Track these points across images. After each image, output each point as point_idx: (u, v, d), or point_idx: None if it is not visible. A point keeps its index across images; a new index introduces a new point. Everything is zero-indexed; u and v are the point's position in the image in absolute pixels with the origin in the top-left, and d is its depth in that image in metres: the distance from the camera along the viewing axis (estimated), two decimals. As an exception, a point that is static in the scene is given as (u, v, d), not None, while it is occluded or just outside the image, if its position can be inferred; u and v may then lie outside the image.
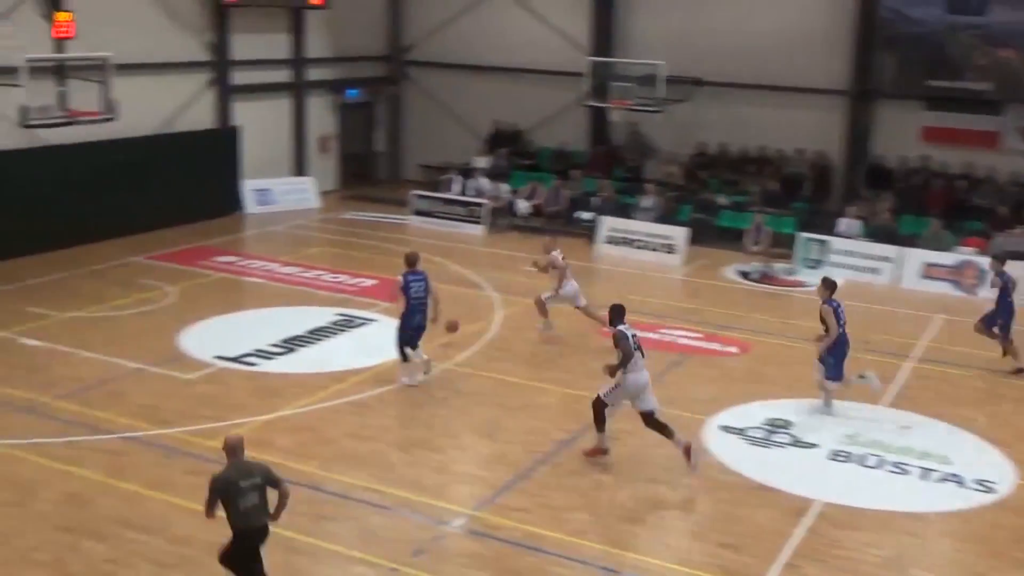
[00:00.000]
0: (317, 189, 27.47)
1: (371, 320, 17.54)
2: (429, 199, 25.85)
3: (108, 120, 18.72)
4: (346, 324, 17.25)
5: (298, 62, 27.56)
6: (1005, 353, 16.19)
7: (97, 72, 18.44)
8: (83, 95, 18.94)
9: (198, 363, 15.18)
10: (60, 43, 18.57)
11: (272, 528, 8.87)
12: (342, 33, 28.82)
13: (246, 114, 25.95)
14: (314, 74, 28.12)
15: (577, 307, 17.03)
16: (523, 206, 25.26)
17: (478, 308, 18.49)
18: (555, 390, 14.76)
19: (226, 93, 25.55)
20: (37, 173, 20.55)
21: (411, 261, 14.55)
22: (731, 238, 23.25)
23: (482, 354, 16.12)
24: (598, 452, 12.43)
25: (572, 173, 26.48)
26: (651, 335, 17.34)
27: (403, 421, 13.48)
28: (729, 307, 19.33)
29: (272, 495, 8.82)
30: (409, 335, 14.50)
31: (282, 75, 27.36)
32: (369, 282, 19.87)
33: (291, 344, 16.14)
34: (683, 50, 25.64)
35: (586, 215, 24.57)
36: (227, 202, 25.38)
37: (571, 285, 16.95)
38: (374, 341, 16.40)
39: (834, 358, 13.87)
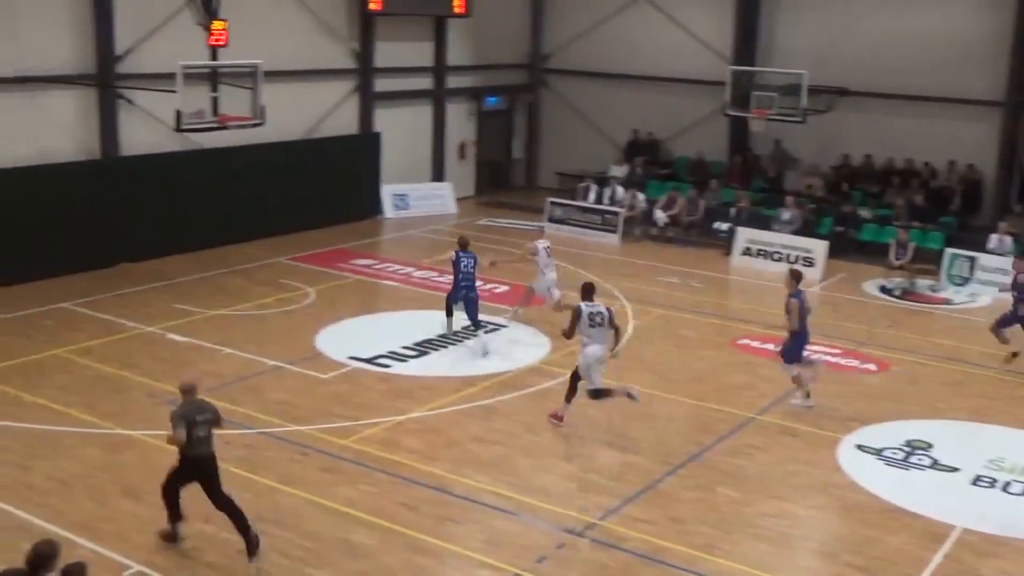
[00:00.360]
0: (454, 195, 27.84)
1: (502, 326, 17.65)
2: (564, 207, 25.89)
3: (257, 125, 19.30)
4: (478, 329, 17.37)
5: (439, 70, 27.99)
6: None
7: (248, 79, 19.07)
8: (234, 100, 19.61)
9: (333, 363, 15.54)
10: (214, 50, 19.26)
11: (390, 525, 8.99)
12: (483, 41, 29.16)
13: (387, 120, 26.48)
14: (454, 82, 28.51)
15: (551, 302, 17.50)
16: (660, 216, 25.05)
17: (610, 317, 18.41)
18: (686, 402, 14.59)
19: (369, 100, 26.13)
20: (189, 175, 21.41)
21: (463, 243, 16.44)
22: (873, 252, 22.58)
23: (613, 363, 16.00)
24: (555, 416, 13.48)
25: (710, 183, 26.16)
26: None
27: (531, 427, 13.51)
28: (868, 323, 18.76)
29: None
30: (455, 300, 16.44)
31: (423, 82, 27.83)
32: (502, 288, 20.00)
33: (423, 347, 16.38)
34: (828, 59, 25.12)
35: (723, 226, 24.23)
36: (367, 206, 25.95)
37: (547, 279, 17.52)
38: (504, 347, 16.52)
39: (795, 345, 14.38)
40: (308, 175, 23.71)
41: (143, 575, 9.59)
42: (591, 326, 13.02)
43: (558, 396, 14.55)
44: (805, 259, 22.10)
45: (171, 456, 12.08)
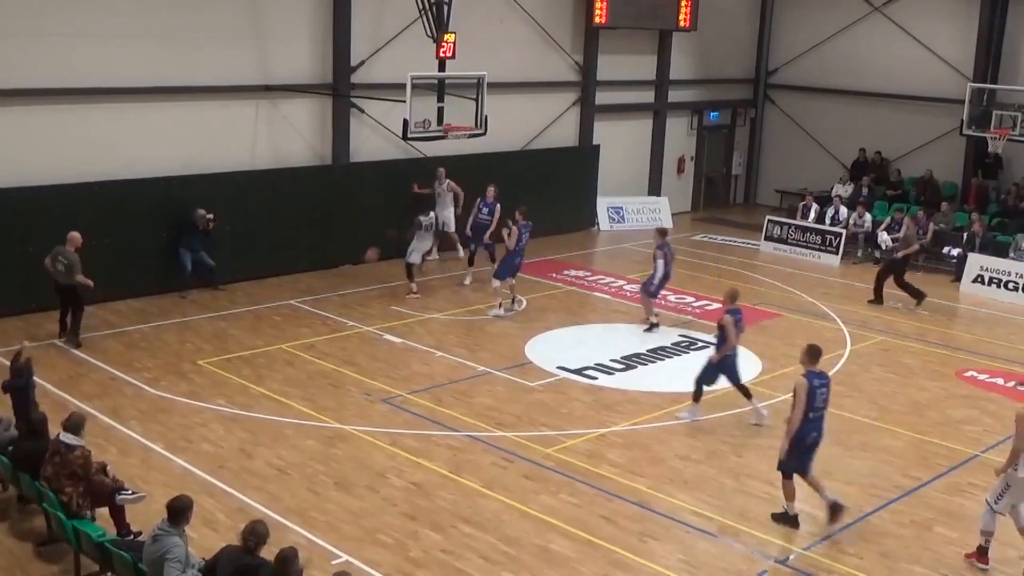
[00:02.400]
0: (670, 210, 27.62)
1: (713, 344, 17.32)
2: (783, 225, 25.23)
3: (479, 135, 19.72)
4: (687, 346, 17.19)
5: (661, 83, 27.86)
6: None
7: (472, 90, 19.53)
8: (458, 111, 20.12)
9: (541, 372, 15.69)
10: (442, 62, 19.81)
11: (589, 536, 8.94)
12: (707, 55, 28.86)
13: (606, 133, 26.57)
14: (676, 96, 28.30)
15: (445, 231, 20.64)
16: (884, 238, 24.01)
17: (825, 341, 17.66)
18: (904, 433, 13.93)
19: (589, 112, 26.28)
20: (409, 182, 22.09)
21: (524, 214, 18.35)
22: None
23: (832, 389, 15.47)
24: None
25: (942, 206, 24.90)
26: (1019, 386, 16.01)
27: (737, 449, 13.22)
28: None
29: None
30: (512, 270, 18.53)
31: (644, 96, 27.77)
32: (714, 305, 19.68)
33: (631, 361, 16.31)
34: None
35: (953, 251, 23.01)
36: (582, 218, 26.12)
37: (444, 213, 20.97)
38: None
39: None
40: (526, 185, 23.99)
41: (350, 565, 9.92)
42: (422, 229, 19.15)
43: (767, 418, 14.23)
44: (1045, 289, 20.73)
45: (384, 454, 12.60)
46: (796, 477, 11.16)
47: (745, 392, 14.07)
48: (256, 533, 8.19)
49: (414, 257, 19.37)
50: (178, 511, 8.51)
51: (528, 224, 18.33)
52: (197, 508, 8.97)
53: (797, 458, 11.08)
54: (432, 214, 19.76)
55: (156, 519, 8.68)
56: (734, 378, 14.03)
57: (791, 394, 11.09)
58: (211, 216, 18.71)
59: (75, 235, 15.66)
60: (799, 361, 11.28)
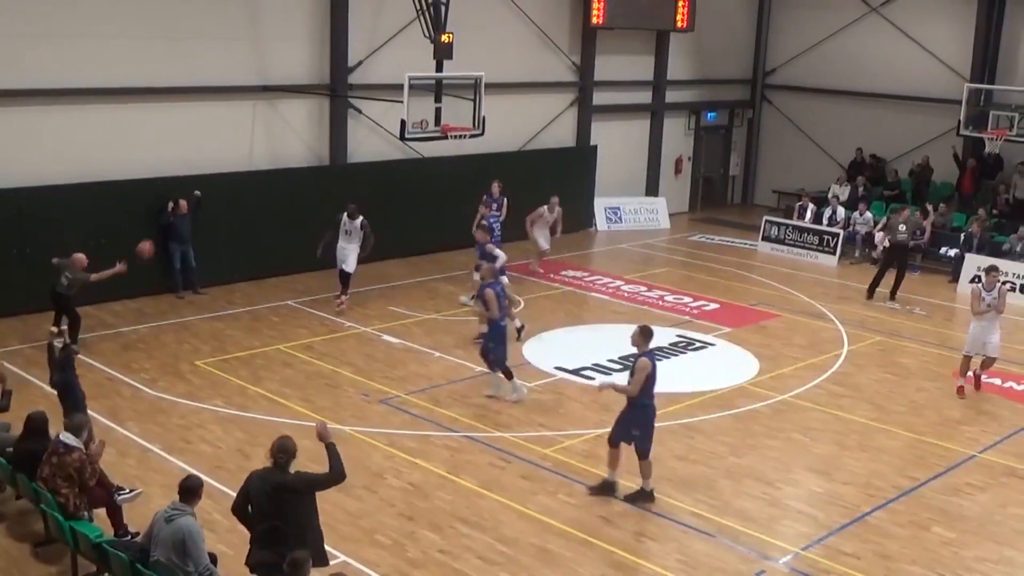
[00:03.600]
0: (667, 210, 27.64)
1: (710, 344, 17.39)
2: (780, 225, 25.24)
3: (477, 135, 19.72)
4: (685, 346, 17.20)
5: (659, 84, 27.87)
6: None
7: (470, 90, 19.53)
8: (456, 111, 20.12)
9: (539, 372, 15.68)
10: (439, 62, 19.80)
11: (587, 537, 8.93)
12: (704, 56, 28.87)
13: (604, 133, 26.58)
14: (673, 96, 28.31)
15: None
16: (881, 238, 24.03)
17: (822, 341, 17.83)
18: (901, 434, 13.94)
19: (587, 113, 26.29)
20: (409, 183, 22.11)
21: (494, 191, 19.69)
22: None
23: (823, 389, 15.53)
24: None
25: (939, 207, 24.91)
26: (1015, 386, 16.05)
27: (734, 449, 13.23)
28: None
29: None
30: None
31: (642, 96, 27.78)
32: (712, 306, 19.71)
33: (628, 361, 16.23)
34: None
35: (950, 252, 23.04)
36: (580, 218, 26.10)
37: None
38: (711, 365, 16.26)
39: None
40: (525, 186, 23.98)
41: (348, 566, 9.92)
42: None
43: (765, 420, 14.26)
44: (1040, 290, 20.74)
45: (382, 454, 12.60)
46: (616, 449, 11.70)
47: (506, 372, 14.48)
48: (285, 449, 8.41)
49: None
50: (190, 489, 8.65)
51: (496, 215, 19.55)
52: (195, 509, 8.95)
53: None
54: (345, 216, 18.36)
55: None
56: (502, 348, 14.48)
57: (633, 374, 11.45)
58: (173, 207, 18.31)
59: (79, 256, 15.28)
60: (634, 343, 11.56)
